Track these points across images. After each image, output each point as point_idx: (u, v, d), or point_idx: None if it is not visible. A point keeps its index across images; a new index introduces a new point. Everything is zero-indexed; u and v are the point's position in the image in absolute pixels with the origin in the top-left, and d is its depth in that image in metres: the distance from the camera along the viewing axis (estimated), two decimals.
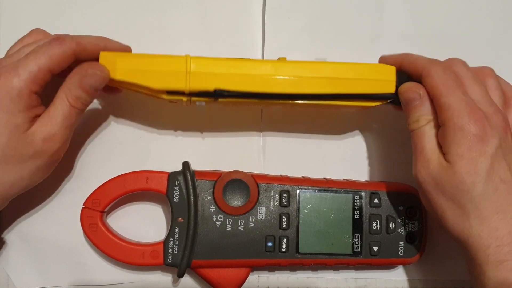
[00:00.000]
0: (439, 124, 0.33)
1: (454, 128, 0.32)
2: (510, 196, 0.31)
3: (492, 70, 0.36)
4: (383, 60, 0.37)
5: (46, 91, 0.34)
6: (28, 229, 0.40)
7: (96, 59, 0.34)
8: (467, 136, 0.31)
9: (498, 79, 0.36)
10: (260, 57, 0.42)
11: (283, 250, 0.38)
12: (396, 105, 0.36)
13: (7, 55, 0.35)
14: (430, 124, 0.34)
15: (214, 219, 0.37)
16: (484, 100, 0.33)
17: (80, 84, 0.33)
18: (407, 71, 0.35)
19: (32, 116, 0.33)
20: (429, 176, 0.33)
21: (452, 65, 0.34)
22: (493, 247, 0.31)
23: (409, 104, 0.35)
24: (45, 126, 0.33)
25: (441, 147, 0.33)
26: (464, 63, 0.35)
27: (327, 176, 0.41)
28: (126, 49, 0.37)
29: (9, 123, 0.32)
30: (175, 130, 0.41)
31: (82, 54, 0.34)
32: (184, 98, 0.35)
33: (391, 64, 0.36)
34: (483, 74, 0.35)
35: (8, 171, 0.33)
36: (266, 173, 0.40)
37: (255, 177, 0.38)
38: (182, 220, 0.37)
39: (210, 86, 0.34)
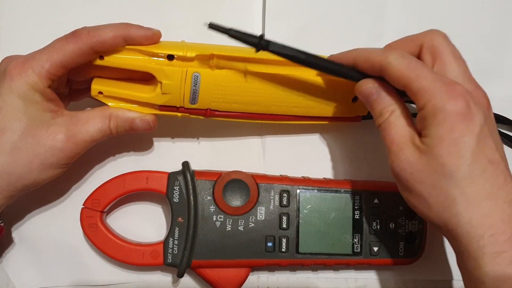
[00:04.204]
0: (408, 112, 0.31)
1: (434, 110, 0.29)
2: (499, 179, 0.29)
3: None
4: (333, 58, 0.35)
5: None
6: (28, 229, 0.40)
7: (118, 50, 0.34)
8: (449, 116, 0.28)
9: None
10: None
11: (283, 250, 0.38)
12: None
13: None
14: (395, 114, 0.32)
15: (214, 219, 0.37)
16: (463, 76, 0.31)
17: (132, 125, 0.36)
18: (364, 69, 0.33)
19: (51, 109, 0.34)
20: (404, 163, 0.30)
21: (433, 38, 0.32)
22: (487, 237, 0.28)
23: (368, 100, 0.33)
24: (76, 127, 0.34)
25: (415, 132, 0.31)
26: (446, 36, 0.32)
27: (327, 176, 0.41)
28: (151, 36, 0.34)
29: (28, 111, 0.32)
30: (175, 130, 0.41)
31: (102, 48, 0.33)
32: (178, 107, 0.36)
33: (343, 63, 0.34)
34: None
35: (19, 161, 0.33)
36: (266, 173, 0.40)
37: (255, 177, 0.38)
38: (182, 220, 0.37)
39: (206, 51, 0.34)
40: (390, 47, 0.35)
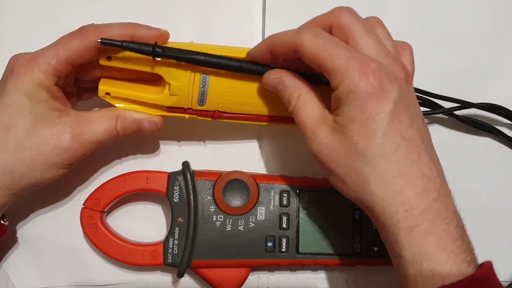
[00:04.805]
0: (316, 94, 0.31)
1: (346, 90, 0.29)
2: (413, 155, 0.29)
3: (380, 19, 0.33)
4: (252, 55, 0.34)
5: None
6: (28, 229, 0.40)
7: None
8: (360, 96, 0.28)
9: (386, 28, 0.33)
10: None
11: (283, 250, 0.38)
12: None
13: None
14: (301, 99, 0.32)
15: (214, 219, 0.37)
16: (378, 51, 0.30)
17: (139, 126, 0.35)
18: (282, 53, 0.32)
19: (57, 107, 0.33)
20: (320, 145, 0.30)
21: (339, 16, 0.31)
22: (401, 212, 0.28)
23: (276, 91, 0.33)
24: (82, 127, 0.34)
25: (327, 112, 0.31)
26: (351, 11, 0.31)
27: None
28: (159, 37, 0.34)
29: (34, 109, 0.32)
30: (175, 130, 0.41)
31: (108, 46, 0.33)
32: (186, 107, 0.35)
33: (261, 55, 0.33)
34: (372, 24, 0.32)
35: (23, 159, 0.32)
36: (266, 173, 0.40)
37: (255, 177, 0.38)
38: (182, 220, 0.37)
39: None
40: (301, 29, 0.33)
